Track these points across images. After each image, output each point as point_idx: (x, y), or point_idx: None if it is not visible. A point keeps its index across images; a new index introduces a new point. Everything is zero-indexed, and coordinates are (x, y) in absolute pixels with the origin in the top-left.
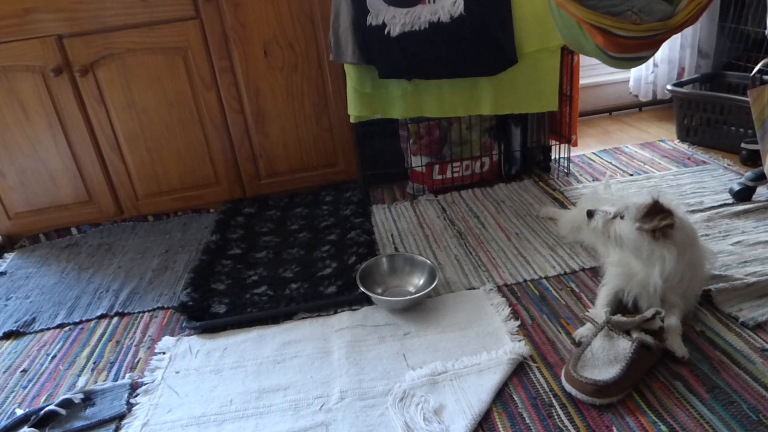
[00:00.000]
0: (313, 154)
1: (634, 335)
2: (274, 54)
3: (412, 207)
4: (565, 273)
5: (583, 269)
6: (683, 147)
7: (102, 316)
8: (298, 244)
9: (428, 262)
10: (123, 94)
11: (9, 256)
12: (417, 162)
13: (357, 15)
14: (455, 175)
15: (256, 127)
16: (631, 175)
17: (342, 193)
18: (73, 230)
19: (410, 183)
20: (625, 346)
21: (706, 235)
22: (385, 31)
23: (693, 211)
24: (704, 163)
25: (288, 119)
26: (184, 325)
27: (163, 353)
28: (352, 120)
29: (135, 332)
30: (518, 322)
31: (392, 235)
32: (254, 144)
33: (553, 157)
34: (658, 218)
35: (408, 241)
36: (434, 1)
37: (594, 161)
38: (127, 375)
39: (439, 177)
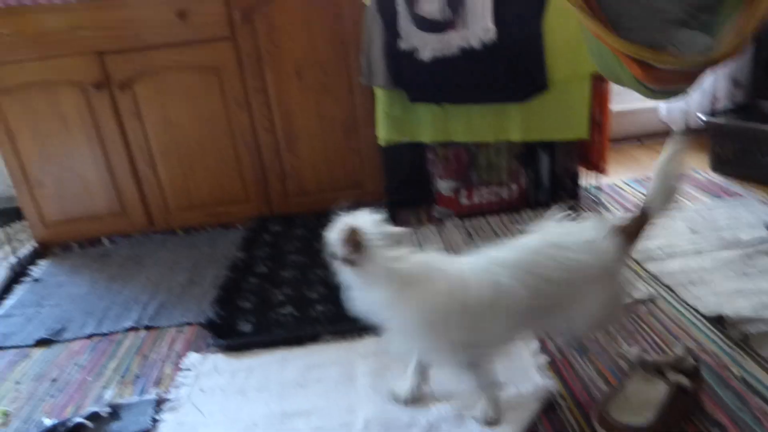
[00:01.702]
0: (341, 174)
1: (671, 377)
2: (306, 75)
3: (437, 231)
4: None
5: None
6: (716, 178)
7: (130, 329)
8: (324, 265)
9: None
10: (159, 110)
11: (43, 264)
12: (444, 186)
13: (389, 39)
14: (482, 200)
15: (287, 147)
16: None
17: None
18: (105, 240)
19: (437, 206)
20: (660, 389)
21: (745, 273)
22: (416, 56)
23: (729, 247)
24: (738, 195)
25: (318, 140)
26: (210, 342)
27: (189, 370)
28: (381, 143)
29: (161, 346)
30: (547, 357)
31: None
32: (284, 163)
33: (581, 185)
34: (348, 249)
35: None
36: (466, 27)
37: (623, 190)
38: (153, 390)
39: (466, 201)
